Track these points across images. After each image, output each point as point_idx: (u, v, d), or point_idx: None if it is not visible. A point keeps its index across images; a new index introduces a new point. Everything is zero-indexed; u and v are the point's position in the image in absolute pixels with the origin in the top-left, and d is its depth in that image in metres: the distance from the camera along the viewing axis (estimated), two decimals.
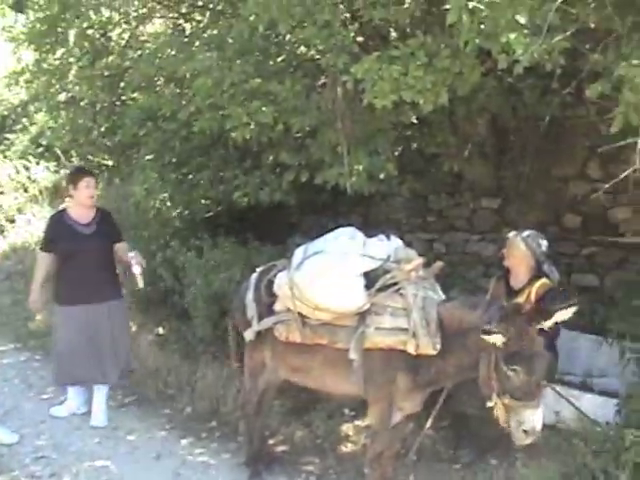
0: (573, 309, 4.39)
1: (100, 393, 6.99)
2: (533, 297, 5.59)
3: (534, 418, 4.29)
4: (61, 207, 7.53)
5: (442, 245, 9.14)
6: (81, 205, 6.90)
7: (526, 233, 5.87)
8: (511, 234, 5.94)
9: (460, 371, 4.78)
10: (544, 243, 5.85)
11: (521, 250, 5.78)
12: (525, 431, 4.29)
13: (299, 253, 5.24)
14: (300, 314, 5.10)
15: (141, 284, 6.92)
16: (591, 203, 7.63)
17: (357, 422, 6.48)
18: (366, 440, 6.03)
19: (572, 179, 8.01)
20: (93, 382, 6.98)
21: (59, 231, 6.85)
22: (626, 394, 5.73)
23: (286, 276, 5.12)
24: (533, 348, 4.29)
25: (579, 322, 6.81)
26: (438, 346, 4.68)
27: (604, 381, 6.47)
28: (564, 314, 4.39)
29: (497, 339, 4.25)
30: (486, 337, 4.27)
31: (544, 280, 5.71)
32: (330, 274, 4.90)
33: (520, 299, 5.54)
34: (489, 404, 4.46)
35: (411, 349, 4.71)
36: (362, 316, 4.92)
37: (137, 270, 6.86)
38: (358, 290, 4.90)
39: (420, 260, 5.08)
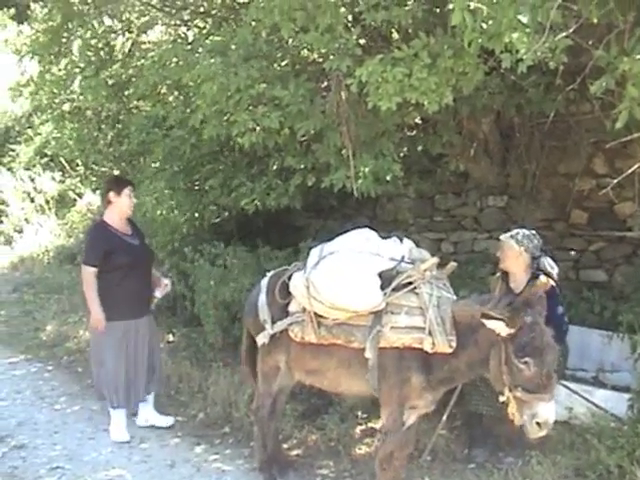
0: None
1: (150, 403, 7.06)
2: None
3: (547, 410, 4.28)
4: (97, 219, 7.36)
5: (450, 244, 9.16)
6: (121, 214, 6.80)
7: (516, 231, 5.86)
8: (502, 236, 5.93)
9: (472, 368, 4.78)
10: (537, 239, 5.83)
11: (514, 249, 5.76)
12: (538, 424, 4.28)
13: (315, 253, 5.25)
14: (316, 314, 5.12)
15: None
16: (598, 199, 7.65)
17: (370, 424, 6.49)
18: (377, 440, 6.04)
19: (578, 175, 8.00)
20: (143, 397, 7.01)
21: (112, 244, 6.65)
22: (638, 388, 5.73)
23: (302, 276, 5.13)
24: (543, 339, 4.30)
25: (589, 317, 6.84)
26: (454, 344, 4.69)
27: (616, 376, 6.48)
28: None
29: (498, 325, 4.30)
30: (486, 322, 4.33)
31: (542, 279, 5.69)
32: (346, 273, 4.91)
33: None
34: (501, 399, 4.47)
35: (427, 347, 4.73)
36: (377, 315, 4.93)
37: (159, 294, 7.01)
38: (374, 289, 4.91)
39: (435, 260, 5.09)
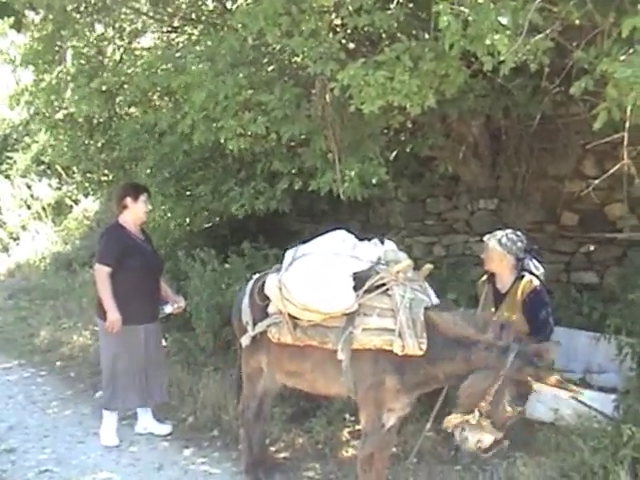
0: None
1: (149, 411, 7.06)
2: (519, 299, 5.62)
3: (489, 441, 4.49)
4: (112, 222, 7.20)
5: (442, 248, 9.18)
6: (136, 219, 6.84)
7: (500, 233, 5.85)
8: (486, 238, 5.93)
9: (450, 378, 4.77)
10: (521, 240, 5.83)
11: (497, 251, 5.77)
12: (479, 448, 4.51)
13: (289, 255, 5.29)
14: (291, 315, 5.12)
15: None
16: (588, 201, 7.61)
17: (358, 427, 6.48)
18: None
19: (568, 177, 8.00)
20: (145, 405, 7.01)
21: (127, 245, 6.69)
22: (623, 389, 5.73)
23: (275, 277, 5.15)
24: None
25: (577, 319, 6.85)
26: (424, 346, 4.66)
27: (603, 377, 6.47)
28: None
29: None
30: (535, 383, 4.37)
31: (527, 279, 5.71)
32: (319, 275, 4.92)
33: (508, 302, 5.68)
34: (471, 421, 4.49)
35: (397, 349, 4.70)
36: (350, 317, 4.92)
37: (168, 310, 7.06)
38: (346, 291, 4.90)
39: (408, 262, 5.08)
